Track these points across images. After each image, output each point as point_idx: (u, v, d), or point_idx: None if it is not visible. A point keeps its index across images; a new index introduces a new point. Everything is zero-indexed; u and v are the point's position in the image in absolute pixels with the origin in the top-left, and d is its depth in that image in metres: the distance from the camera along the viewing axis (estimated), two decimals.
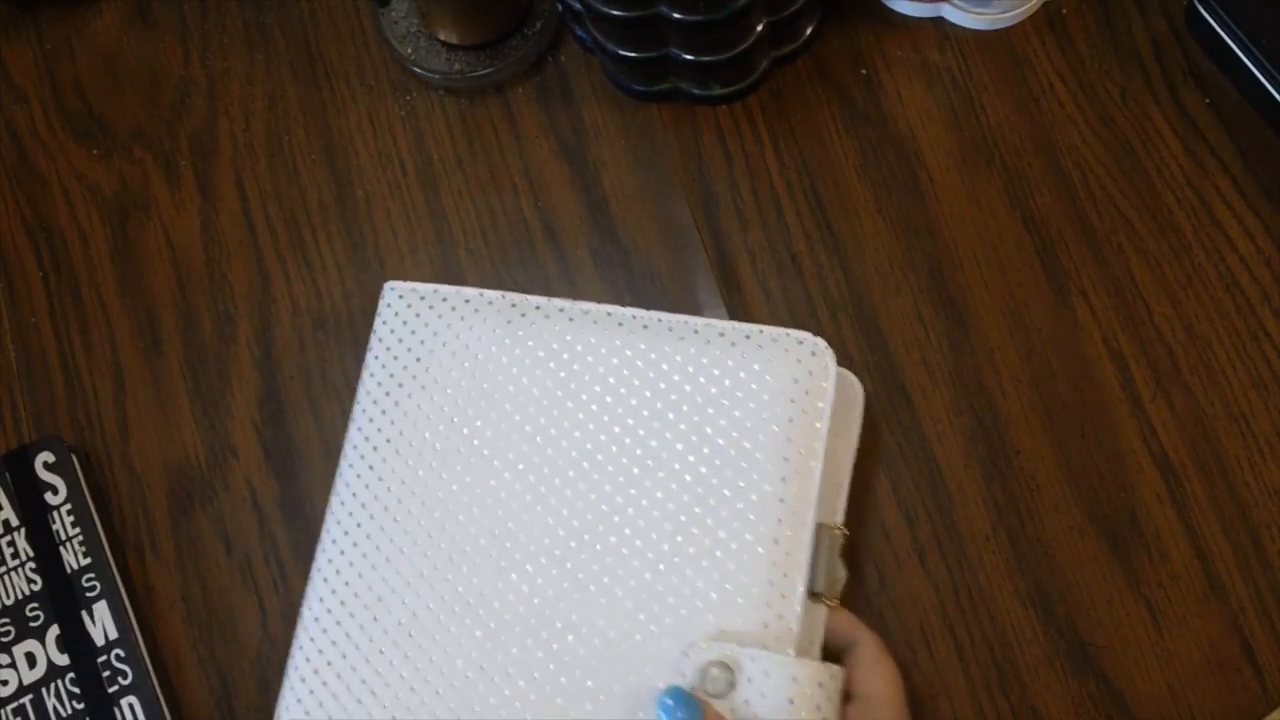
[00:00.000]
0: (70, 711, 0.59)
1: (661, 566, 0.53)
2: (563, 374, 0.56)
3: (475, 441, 0.56)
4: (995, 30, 0.65)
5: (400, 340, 0.59)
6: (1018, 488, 0.59)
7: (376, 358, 0.59)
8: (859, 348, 0.62)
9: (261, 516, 0.63)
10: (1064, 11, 0.65)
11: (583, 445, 0.55)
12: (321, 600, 0.55)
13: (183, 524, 0.63)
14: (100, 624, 0.61)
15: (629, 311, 0.57)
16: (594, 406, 0.55)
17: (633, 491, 0.54)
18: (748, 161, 0.65)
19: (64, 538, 0.62)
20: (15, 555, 0.62)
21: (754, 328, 0.55)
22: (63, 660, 0.60)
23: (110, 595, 0.61)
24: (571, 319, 0.57)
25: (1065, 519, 0.58)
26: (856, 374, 0.61)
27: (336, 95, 0.69)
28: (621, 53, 0.62)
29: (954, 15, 0.65)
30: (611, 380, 0.56)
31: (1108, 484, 0.59)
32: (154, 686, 0.60)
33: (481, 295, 0.59)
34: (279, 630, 0.61)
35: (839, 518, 0.56)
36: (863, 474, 0.60)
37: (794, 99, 0.66)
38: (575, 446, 0.55)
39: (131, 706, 0.59)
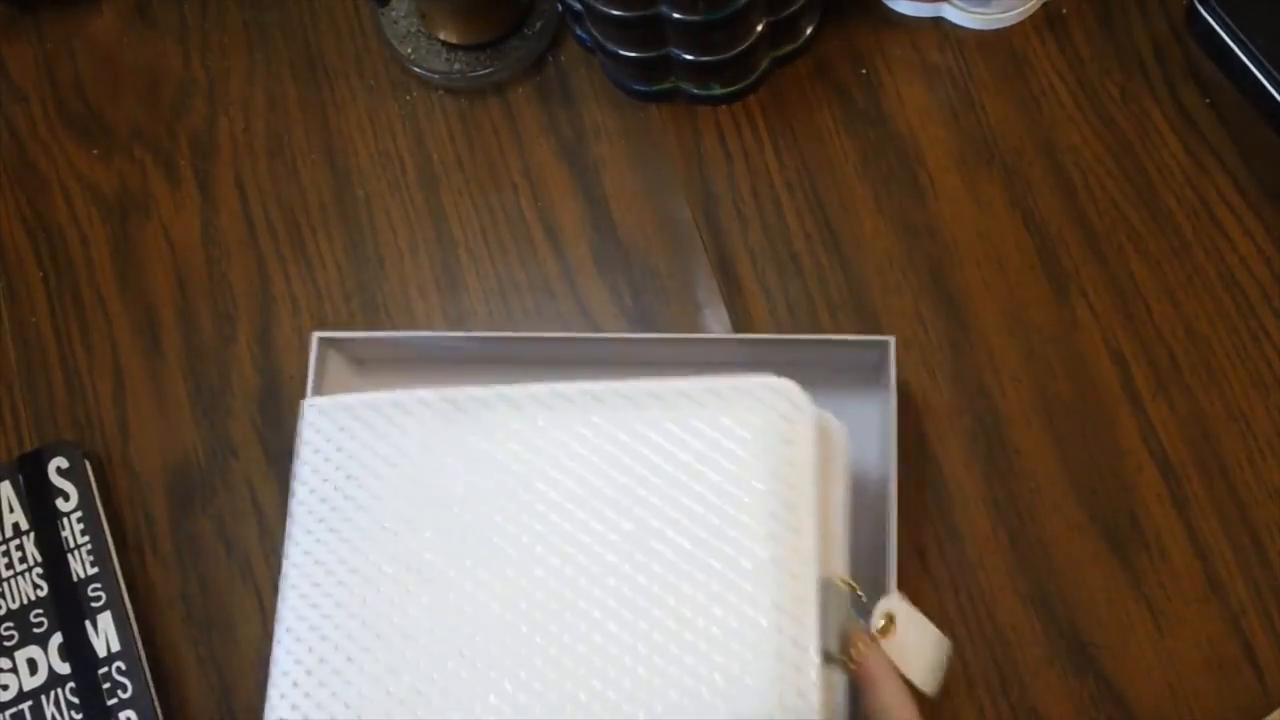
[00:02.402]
0: None
1: (657, 659, 0.46)
2: (516, 466, 0.50)
3: (427, 555, 0.50)
4: (995, 30, 0.65)
5: (328, 460, 0.52)
6: (1018, 488, 0.59)
7: (304, 483, 0.53)
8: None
9: (261, 517, 0.63)
10: (1064, 11, 0.65)
11: (548, 539, 0.49)
12: None
13: (183, 524, 0.63)
14: (103, 635, 0.60)
15: (576, 386, 0.51)
16: (554, 495, 0.49)
17: (611, 581, 0.48)
18: (748, 161, 0.65)
19: (72, 545, 0.62)
20: (24, 559, 0.62)
21: (720, 380, 0.50)
22: (64, 669, 0.60)
23: (115, 606, 0.61)
24: (516, 405, 0.51)
25: (1065, 519, 0.58)
26: None
27: (336, 95, 0.69)
28: (622, 52, 0.62)
29: (954, 15, 0.65)
30: (570, 464, 0.50)
31: (1108, 484, 0.59)
32: (153, 701, 0.59)
33: (412, 395, 0.53)
34: None
35: (842, 569, 0.50)
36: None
37: (794, 99, 0.66)
38: (539, 542, 0.49)
39: None
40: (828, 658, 0.46)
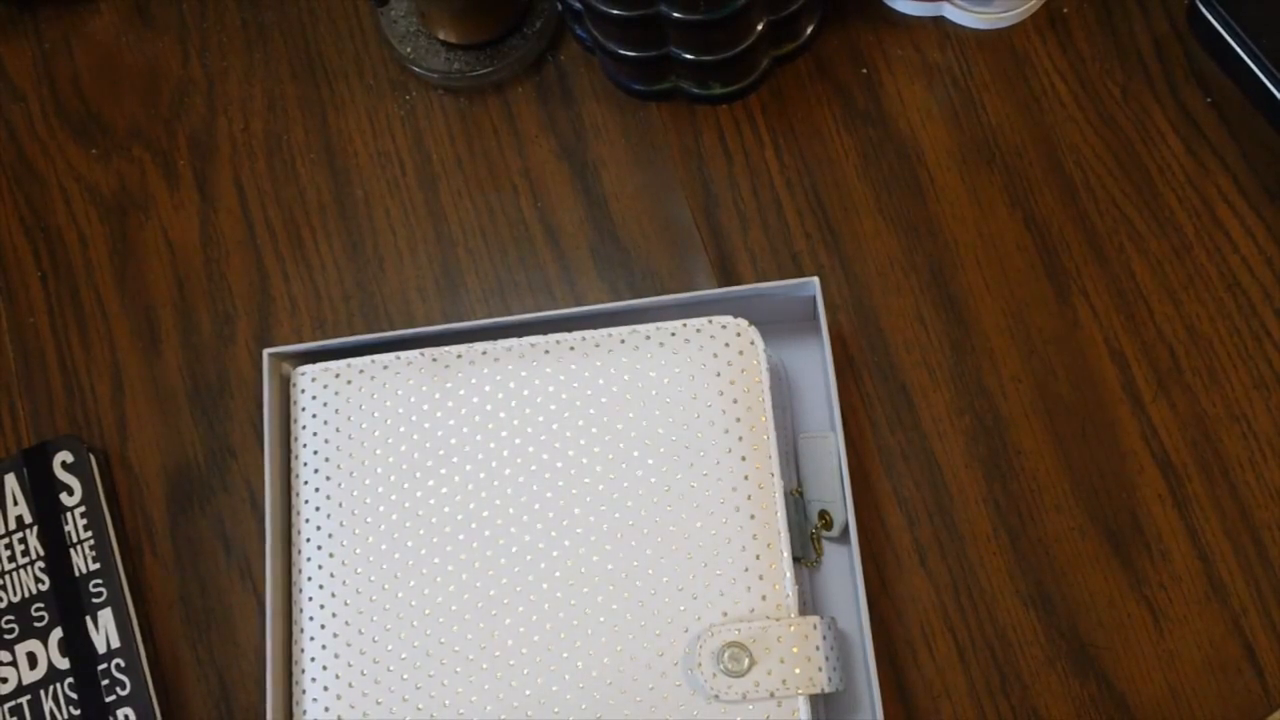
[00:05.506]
0: (66, 716, 0.59)
1: (650, 571, 0.54)
2: (502, 414, 0.56)
3: (431, 502, 0.56)
4: (996, 29, 0.65)
5: (327, 423, 0.57)
6: (1019, 488, 0.59)
7: (306, 445, 0.57)
8: (859, 348, 0.61)
9: (261, 517, 0.63)
10: (1065, 10, 0.65)
11: (541, 477, 0.55)
12: (316, 700, 0.54)
13: (182, 525, 0.63)
14: (104, 631, 0.60)
15: (553, 337, 0.57)
16: (542, 438, 0.56)
17: (603, 508, 0.54)
18: (748, 161, 0.65)
19: (75, 540, 0.62)
20: (26, 553, 0.62)
21: (678, 323, 0.57)
22: (63, 664, 0.60)
23: (116, 603, 0.61)
24: (496, 359, 0.57)
25: (1066, 519, 0.58)
26: (857, 373, 0.61)
27: (335, 95, 0.69)
28: (621, 52, 0.62)
29: (955, 14, 0.65)
30: (552, 408, 0.56)
31: (1109, 484, 0.59)
32: (151, 700, 0.59)
33: (399, 358, 0.57)
34: None
35: (795, 483, 0.58)
36: (863, 474, 0.60)
37: (794, 98, 0.66)
38: (534, 480, 0.55)
39: (127, 718, 0.59)
40: (795, 558, 0.55)
